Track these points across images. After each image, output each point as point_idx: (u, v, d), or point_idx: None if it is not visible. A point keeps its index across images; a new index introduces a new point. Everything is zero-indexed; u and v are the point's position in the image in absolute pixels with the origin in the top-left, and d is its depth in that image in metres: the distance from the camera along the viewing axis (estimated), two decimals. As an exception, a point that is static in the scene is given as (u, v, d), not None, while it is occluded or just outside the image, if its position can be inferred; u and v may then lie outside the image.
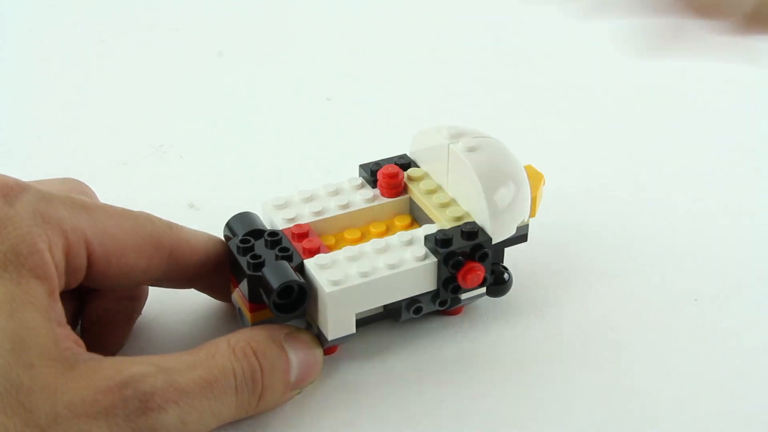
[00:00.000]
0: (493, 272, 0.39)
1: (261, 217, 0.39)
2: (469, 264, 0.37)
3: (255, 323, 0.37)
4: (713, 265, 0.44)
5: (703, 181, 0.51)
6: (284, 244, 0.37)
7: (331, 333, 0.36)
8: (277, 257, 0.36)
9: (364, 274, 0.36)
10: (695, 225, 0.47)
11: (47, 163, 0.51)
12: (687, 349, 0.39)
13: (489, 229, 0.37)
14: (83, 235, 0.33)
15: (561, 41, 0.66)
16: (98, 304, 0.38)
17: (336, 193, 0.40)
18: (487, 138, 0.39)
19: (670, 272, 0.44)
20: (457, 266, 0.37)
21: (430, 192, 0.40)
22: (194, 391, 0.32)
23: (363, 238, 0.39)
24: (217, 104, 0.58)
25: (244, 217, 0.39)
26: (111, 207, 0.35)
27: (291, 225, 0.38)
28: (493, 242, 0.37)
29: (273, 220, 0.39)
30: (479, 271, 0.37)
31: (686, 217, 0.48)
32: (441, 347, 0.39)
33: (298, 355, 0.35)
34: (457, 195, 0.39)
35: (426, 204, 0.39)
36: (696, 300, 0.42)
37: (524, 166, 0.39)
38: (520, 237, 0.40)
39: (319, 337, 0.37)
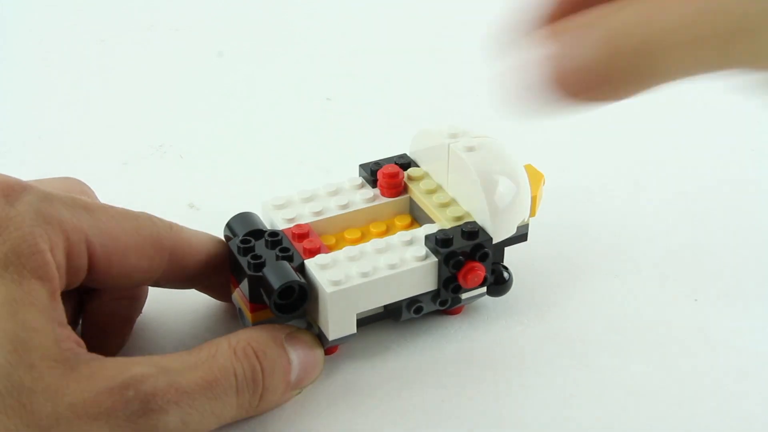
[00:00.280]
0: (493, 272, 0.39)
1: (261, 217, 0.39)
2: (470, 264, 0.37)
3: (256, 323, 0.37)
4: (713, 265, 0.44)
5: (703, 181, 0.51)
6: (285, 244, 0.37)
7: (332, 333, 0.36)
8: (277, 257, 0.36)
9: (364, 274, 0.36)
10: (695, 225, 0.47)
11: (47, 163, 0.51)
12: (687, 349, 0.39)
13: (489, 229, 0.37)
14: (84, 235, 0.33)
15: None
16: (99, 303, 0.38)
17: (336, 193, 0.40)
18: (487, 138, 0.39)
19: (670, 272, 0.44)
20: (458, 266, 0.37)
21: (430, 192, 0.40)
22: (195, 392, 0.32)
23: (363, 238, 0.39)
24: (217, 104, 0.58)
25: (244, 217, 0.39)
26: (112, 207, 0.35)
27: (291, 225, 0.38)
28: (494, 242, 0.37)
29: (273, 220, 0.39)
30: (480, 270, 0.37)
31: (686, 217, 0.48)
32: (441, 347, 0.39)
33: (299, 355, 0.35)
34: (457, 195, 0.39)
35: (426, 204, 0.39)
36: (696, 300, 0.42)
37: (524, 166, 0.39)
38: (521, 236, 0.40)
39: (320, 337, 0.37)
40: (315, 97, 0.59)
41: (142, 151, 0.53)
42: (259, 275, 0.35)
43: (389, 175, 0.40)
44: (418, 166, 0.41)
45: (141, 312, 0.40)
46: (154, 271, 0.36)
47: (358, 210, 0.40)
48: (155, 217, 0.36)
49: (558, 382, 0.38)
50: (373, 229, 0.39)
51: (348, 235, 0.39)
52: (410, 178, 0.41)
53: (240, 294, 0.37)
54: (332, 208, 0.39)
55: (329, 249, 0.38)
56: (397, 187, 0.40)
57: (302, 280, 0.35)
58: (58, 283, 0.32)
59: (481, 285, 0.38)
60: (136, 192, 0.49)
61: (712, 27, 0.25)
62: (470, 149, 0.38)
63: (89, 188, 0.40)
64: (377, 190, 0.41)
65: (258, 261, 0.36)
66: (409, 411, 0.36)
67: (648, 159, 0.53)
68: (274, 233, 0.37)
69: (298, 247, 0.37)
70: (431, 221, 0.39)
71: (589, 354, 0.39)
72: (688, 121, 0.57)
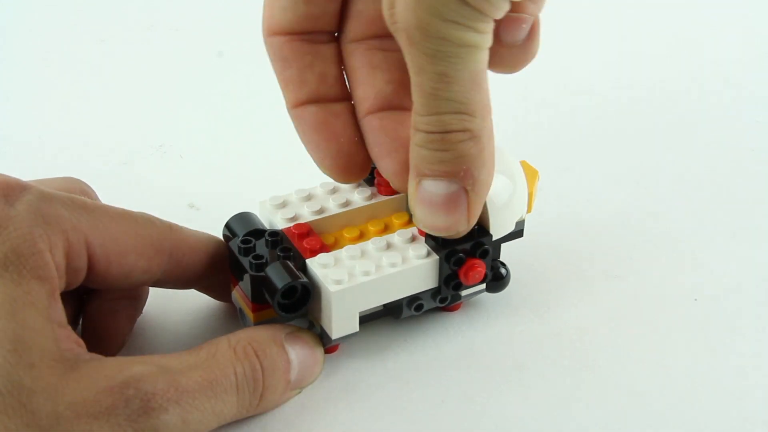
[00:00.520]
0: (491, 268, 0.39)
1: (259, 217, 0.39)
2: (471, 261, 0.37)
3: (258, 323, 0.37)
4: (713, 265, 0.44)
5: (703, 181, 0.51)
6: (285, 243, 0.37)
7: (335, 332, 0.36)
8: (278, 257, 0.36)
9: (367, 273, 0.36)
10: (695, 225, 0.47)
11: (47, 163, 0.51)
12: (687, 349, 0.39)
13: (489, 226, 0.37)
14: (84, 235, 0.33)
15: (561, 40, 0.66)
16: (98, 303, 0.38)
17: (334, 191, 0.40)
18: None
19: (670, 272, 0.44)
20: (459, 263, 0.37)
21: (429, 191, 0.40)
22: (195, 391, 0.32)
23: (362, 236, 0.39)
24: (217, 104, 0.58)
25: (243, 218, 0.39)
26: (112, 207, 0.35)
27: (290, 224, 0.38)
28: (493, 239, 0.37)
29: (271, 219, 0.39)
30: (480, 267, 0.37)
31: (686, 217, 0.48)
32: (441, 346, 0.39)
33: (299, 355, 0.35)
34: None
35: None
36: (696, 300, 0.42)
37: (519, 162, 0.39)
38: (517, 232, 0.40)
39: (322, 336, 0.37)
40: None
41: (142, 151, 0.53)
42: (261, 275, 0.35)
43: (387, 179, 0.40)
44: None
45: (141, 312, 0.40)
46: (153, 272, 0.36)
47: (356, 208, 0.40)
48: (155, 217, 0.36)
49: (558, 381, 0.38)
50: (371, 228, 0.39)
51: (347, 234, 0.39)
52: (409, 177, 0.41)
53: (240, 294, 0.37)
54: (330, 207, 0.39)
55: (329, 248, 0.38)
56: (395, 186, 0.40)
57: (305, 280, 0.35)
58: (58, 284, 0.32)
59: (481, 282, 0.38)
60: (136, 192, 0.49)
61: None
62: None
63: (90, 188, 0.40)
64: (374, 189, 0.41)
65: (260, 261, 0.36)
66: (409, 411, 0.36)
67: (648, 159, 0.53)
68: (274, 233, 0.37)
69: (299, 246, 0.37)
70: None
71: (589, 354, 0.39)
72: (688, 120, 0.57)
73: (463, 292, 0.39)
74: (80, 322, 0.38)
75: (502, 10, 0.30)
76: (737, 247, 0.45)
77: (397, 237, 0.37)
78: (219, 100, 0.59)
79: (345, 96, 0.37)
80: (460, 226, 0.34)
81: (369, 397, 0.37)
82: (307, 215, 0.39)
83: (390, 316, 0.39)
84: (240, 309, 0.38)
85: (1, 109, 0.58)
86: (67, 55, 0.64)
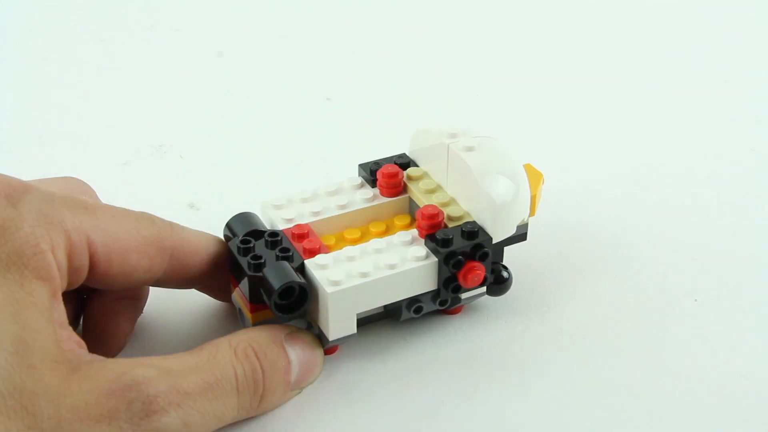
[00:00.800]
0: (492, 271, 0.39)
1: (260, 217, 0.39)
2: (470, 263, 0.37)
3: (256, 323, 0.37)
4: (713, 265, 0.44)
5: (703, 181, 0.51)
6: (284, 244, 0.37)
7: (332, 333, 0.36)
8: (277, 258, 0.36)
9: (364, 275, 0.36)
10: (695, 225, 0.47)
11: (47, 163, 0.51)
12: (687, 349, 0.39)
13: (489, 229, 0.37)
14: (85, 235, 0.33)
15: (560, 40, 0.66)
16: (99, 303, 0.38)
17: (335, 192, 0.40)
18: (487, 137, 0.39)
19: (670, 272, 0.44)
20: (458, 266, 0.37)
21: (430, 191, 0.40)
22: (196, 393, 0.32)
23: (363, 237, 0.39)
24: (217, 104, 0.58)
25: (244, 218, 0.39)
26: (113, 207, 0.35)
27: (291, 225, 0.38)
28: (494, 242, 0.37)
29: (273, 220, 0.39)
30: (480, 270, 0.37)
31: (686, 217, 0.48)
32: (441, 347, 0.39)
33: (299, 356, 0.35)
34: (456, 194, 0.39)
35: (426, 203, 0.39)
36: (696, 300, 0.42)
37: (523, 165, 0.39)
38: (520, 236, 0.40)
39: (320, 338, 0.37)
40: (315, 97, 0.59)
41: (142, 151, 0.53)
42: (259, 275, 0.35)
43: (389, 175, 0.40)
44: (417, 165, 0.41)
45: (142, 312, 0.40)
46: (154, 271, 0.36)
47: (357, 210, 0.40)
48: (156, 217, 0.36)
49: (558, 382, 0.38)
50: (372, 229, 0.39)
51: (347, 235, 0.39)
52: (410, 178, 0.41)
53: (240, 294, 0.37)
54: (332, 208, 0.39)
55: (329, 249, 0.38)
56: (396, 187, 0.40)
57: (302, 281, 0.35)
58: (60, 284, 0.32)
59: (481, 285, 0.38)
60: (136, 192, 0.49)
61: None
62: (470, 149, 0.38)
63: (90, 188, 0.40)
64: (377, 190, 0.41)
65: (258, 261, 0.36)
66: (409, 411, 0.36)
67: (648, 159, 0.53)
68: (273, 233, 0.37)
69: (298, 247, 0.37)
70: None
71: (589, 354, 0.39)
72: (688, 120, 0.57)
73: (464, 295, 0.39)
74: (81, 322, 0.38)
75: None
76: (737, 247, 0.45)
77: (397, 239, 0.37)
78: (219, 100, 0.59)
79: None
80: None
81: (369, 397, 0.37)
82: (307, 216, 0.39)
83: (390, 318, 0.39)
84: (240, 309, 0.38)
85: (1, 109, 0.58)
86: (67, 55, 0.64)
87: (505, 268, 0.40)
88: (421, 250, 0.37)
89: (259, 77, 0.61)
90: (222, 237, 0.39)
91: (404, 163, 0.41)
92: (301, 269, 0.36)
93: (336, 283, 0.35)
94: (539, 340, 0.40)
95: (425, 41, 0.66)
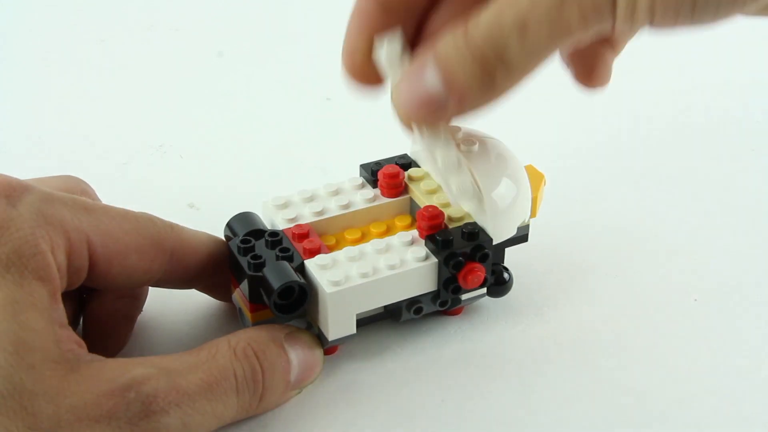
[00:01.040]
0: (493, 272, 0.39)
1: (261, 217, 0.39)
2: (470, 265, 0.37)
3: (256, 323, 0.37)
4: (713, 265, 0.44)
5: (703, 181, 0.51)
6: (285, 244, 0.37)
7: (332, 333, 0.36)
8: (277, 257, 0.36)
9: (364, 275, 0.36)
10: (695, 225, 0.47)
11: (47, 163, 0.51)
12: (687, 349, 0.39)
13: (489, 230, 0.37)
14: (85, 236, 0.33)
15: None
16: (99, 303, 0.38)
17: (336, 193, 0.40)
18: (488, 138, 0.39)
19: (670, 272, 0.44)
20: (458, 267, 0.37)
21: (431, 192, 0.40)
22: (196, 393, 0.32)
23: (363, 238, 0.39)
24: (217, 104, 0.58)
25: (244, 217, 0.39)
26: (113, 208, 0.35)
27: (291, 225, 0.38)
28: (494, 243, 0.37)
29: (273, 220, 0.39)
30: (480, 271, 0.37)
31: (686, 217, 0.48)
32: (441, 347, 0.39)
33: (299, 356, 0.35)
34: (457, 195, 0.39)
35: (426, 204, 0.39)
36: (696, 300, 0.42)
37: (524, 166, 0.39)
38: (521, 237, 0.40)
39: (320, 338, 0.37)
40: (315, 97, 0.59)
41: (142, 151, 0.53)
42: (259, 275, 0.35)
43: (390, 176, 0.40)
44: (419, 166, 0.41)
45: (142, 310, 0.40)
46: (154, 272, 0.36)
47: (358, 210, 0.40)
48: (156, 217, 0.36)
49: (558, 382, 0.38)
50: (373, 230, 0.39)
51: (348, 236, 0.39)
52: (411, 179, 0.41)
53: (240, 294, 0.37)
54: (332, 208, 0.39)
55: (329, 249, 0.38)
56: (397, 188, 0.40)
57: (302, 281, 0.35)
58: (59, 284, 0.32)
59: (481, 286, 0.38)
60: (136, 192, 0.49)
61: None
62: (470, 149, 0.38)
63: (90, 187, 0.40)
64: (378, 191, 0.41)
65: (258, 261, 0.36)
66: (409, 411, 0.36)
67: (648, 159, 0.53)
68: (274, 233, 0.37)
69: (298, 247, 0.37)
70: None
71: (589, 354, 0.39)
72: (688, 120, 0.57)
73: (464, 296, 0.39)
74: (81, 322, 0.38)
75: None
76: (737, 247, 0.45)
77: (397, 239, 0.37)
78: (219, 100, 0.59)
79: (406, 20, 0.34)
80: (422, 121, 0.32)
81: (369, 397, 0.37)
82: (308, 216, 0.39)
83: (389, 319, 0.39)
84: (240, 309, 0.38)
85: (1, 109, 0.58)
86: (67, 55, 0.64)
87: (506, 269, 0.40)
88: (421, 250, 0.37)
89: (259, 77, 0.61)
90: (222, 237, 0.39)
91: (406, 163, 0.41)
92: (301, 269, 0.36)
93: (336, 284, 0.35)
94: (539, 340, 0.40)
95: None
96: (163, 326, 0.40)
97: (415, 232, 0.38)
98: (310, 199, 0.40)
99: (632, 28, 0.28)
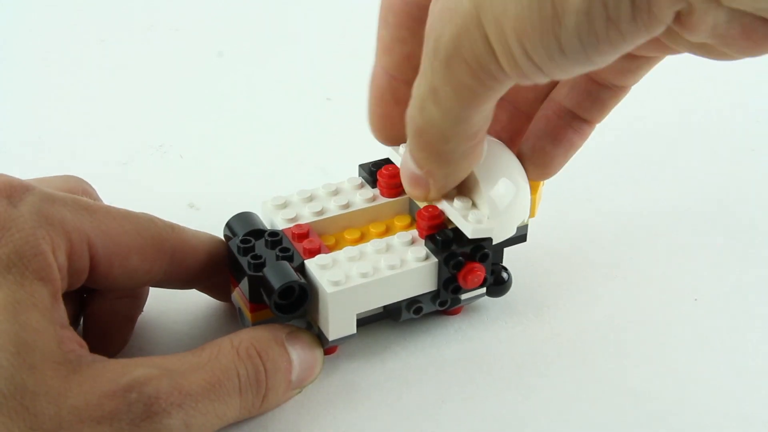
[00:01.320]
0: (492, 272, 0.39)
1: (261, 217, 0.39)
2: (470, 264, 0.37)
3: (256, 323, 0.37)
4: (713, 265, 0.44)
5: (703, 181, 0.51)
6: (285, 244, 0.37)
7: (332, 333, 0.36)
8: (277, 257, 0.36)
9: (365, 275, 0.36)
10: (695, 225, 0.47)
11: (47, 163, 0.51)
12: (687, 349, 0.39)
13: (489, 230, 0.37)
14: (86, 236, 0.33)
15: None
16: (100, 303, 0.38)
17: (336, 193, 0.40)
18: (487, 138, 0.39)
19: (670, 272, 0.44)
20: (458, 267, 0.37)
21: (431, 192, 0.40)
22: (199, 394, 0.32)
23: (363, 238, 0.39)
24: (217, 104, 0.58)
25: (244, 217, 0.39)
26: (113, 208, 0.35)
27: (291, 225, 0.38)
28: (494, 243, 0.37)
29: (273, 220, 0.39)
30: (480, 271, 0.37)
31: (686, 217, 0.48)
32: (441, 347, 0.39)
33: (299, 355, 0.35)
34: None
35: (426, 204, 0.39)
36: (696, 300, 0.42)
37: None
38: (520, 237, 0.40)
39: (320, 337, 0.37)
40: (315, 97, 0.59)
41: (142, 151, 0.53)
42: (259, 275, 0.35)
43: (389, 176, 0.40)
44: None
45: (142, 310, 0.40)
46: (155, 272, 0.36)
47: (357, 210, 0.40)
48: (156, 217, 0.36)
49: (558, 382, 0.38)
50: (372, 230, 0.39)
51: (348, 236, 0.39)
52: (410, 179, 0.41)
53: (240, 294, 0.37)
54: (332, 208, 0.39)
55: (329, 249, 0.38)
56: (396, 188, 0.40)
57: (302, 280, 0.35)
58: (60, 285, 0.32)
59: (481, 286, 0.38)
60: (136, 192, 0.49)
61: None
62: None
63: (91, 186, 0.40)
64: (377, 191, 0.40)
65: (258, 261, 0.36)
66: (409, 411, 0.36)
67: (648, 159, 0.53)
68: (274, 233, 0.37)
69: (298, 247, 0.37)
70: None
71: (589, 354, 0.39)
72: (688, 120, 0.57)
73: (463, 296, 0.39)
74: (81, 322, 0.38)
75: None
76: (737, 247, 0.45)
77: (397, 239, 0.37)
78: (219, 100, 0.59)
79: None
80: (419, 198, 0.37)
81: (369, 397, 0.37)
82: (307, 216, 0.39)
83: (389, 318, 0.39)
84: (239, 309, 0.38)
85: (1, 109, 0.58)
86: (67, 55, 0.64)
87: (505, 269, 0.40)
88: (421, 250, 0.37)
89: (259, 77, 0.61)
90: (222, 237, 0.39)
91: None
92: (301, 269, 0.36)
93: (336, 283, 0.35)
94: (539, 340, 0.40)
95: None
96: (163, 326, 0.40)
97: (414, 232, 0.38)
98: (310, 199, 0.40)
99: (526, 77, 0.29)
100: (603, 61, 0.28)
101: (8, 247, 0.31)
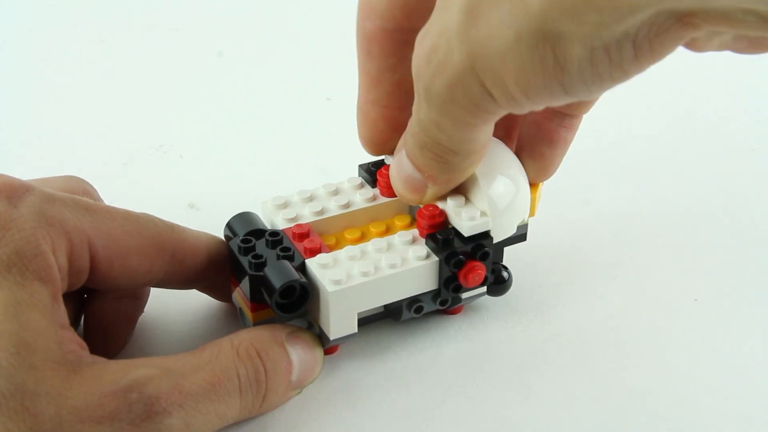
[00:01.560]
0: (492, 271, 0.39)
1: (261, 217, 0.39)
2: (471, 263, 0.37)
3: (257, 323, 0.37)
4: (713, 265, 0.44)
5: (703, 181, 0.51)
6: (285, 243, 0.37)
7: (333, 333, 0.36)
8: (278, 257, 0.36)
9: (365, 274, 0.36)
10: (695, 225, 0.47)
11: (47, 163, 0.51)
12: (687, 349, 0.39)
13: (490, 229, 0.37)
14: (86, 237, 0.33)
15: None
16: (100, 304, 0.38)
17: (336, 192, 0.40)
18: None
19: (670, 272, 0.44)
20: (459, 266, 0.37)
21: (430, 192, 0.40)
22: (199, 394, 0.32)
23: (363, 237, 0.39)
24: (217, 104, 0.58)
25: (244, 217, 0.39)
26: (114, 209, 0.35)
27: (291, 225, 0.38)
28: (494, 241, 0.37)
29: (273, 220, 0.39)
30: (480, 270, 0.37)
31: (686, 217, 0.48)
32: (441, 347, 0.39)
33: (300, 355, 0.35)
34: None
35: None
36: (696, 300, 0.42)
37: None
38: (520, 236, 0.40)
39: (321, 337, 0.37)
40: (315, 97, 0.59)
41: (142, 151, 0.53)
42: (260, 275, 0.35)
43: (389, 175, 0.40)
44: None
45: (143, 311, 0.40)
46: (155, 273, 0.36)
47: (358, 210, 0.40)
48: (157, 218, 0.36)
49: (558, 382, 0.38)
50: (373, 229, 0.39)
51: (348, 235, 0.39)
52: (410, 178, 0.41)
53: (240, 294, 0.37)
54: (332, 208, 0.39)
55: (329, 249, 0.38)
56: (397, 187, 0.40)
57: (303, 280, 0.35)
58: (60, 285, 0.32)
59: (482, 284, 0.38)
60: (136, 192, 0.49)
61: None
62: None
63: (92, 187, 0.40)
64: (377, 190, 0.41)
65: (259, 260, 0.36)
66: (409, 411, 0.36)
67: (648, 159, 0.53)
68: (274, 233, 0.37)
69: (299, 246, 0.37)
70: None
71: (589, 354, 0.39)
72: (688, 120, 0.57)
73: (464, 295, 0.39)
74: (82, 323, 0.38)
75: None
76: (737, 247, 0.45)
77: (398, 238, 0.37)
78: (219, 100, 0.59)
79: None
80: (413, 201, 0.37)
81: (369, 397, 0.37)
82: (308, 216, 0.39)
83: (390, 318, 0.39)
84: (240, 309, 0.38)
85: (1, 109, 0.58)
86: (67, 55, 0.64)
87: (505, 268, 0.40)
88: (421, 249, 0.37)
89: (259, 77, 0.61)
90: (222, 237, 0.39)
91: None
92: (302, 268, 0.36)
93: (337, 283, 0.35)
94: (539, 340, 0.40)
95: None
96: (164, 326, 0.40)
97: (415, 231, 0.38)
98: (310, 199, 0.40)
99: (524, 110, 0.30)
100: (606, 90, 0.28)
101: (8, 247, 0.31)
